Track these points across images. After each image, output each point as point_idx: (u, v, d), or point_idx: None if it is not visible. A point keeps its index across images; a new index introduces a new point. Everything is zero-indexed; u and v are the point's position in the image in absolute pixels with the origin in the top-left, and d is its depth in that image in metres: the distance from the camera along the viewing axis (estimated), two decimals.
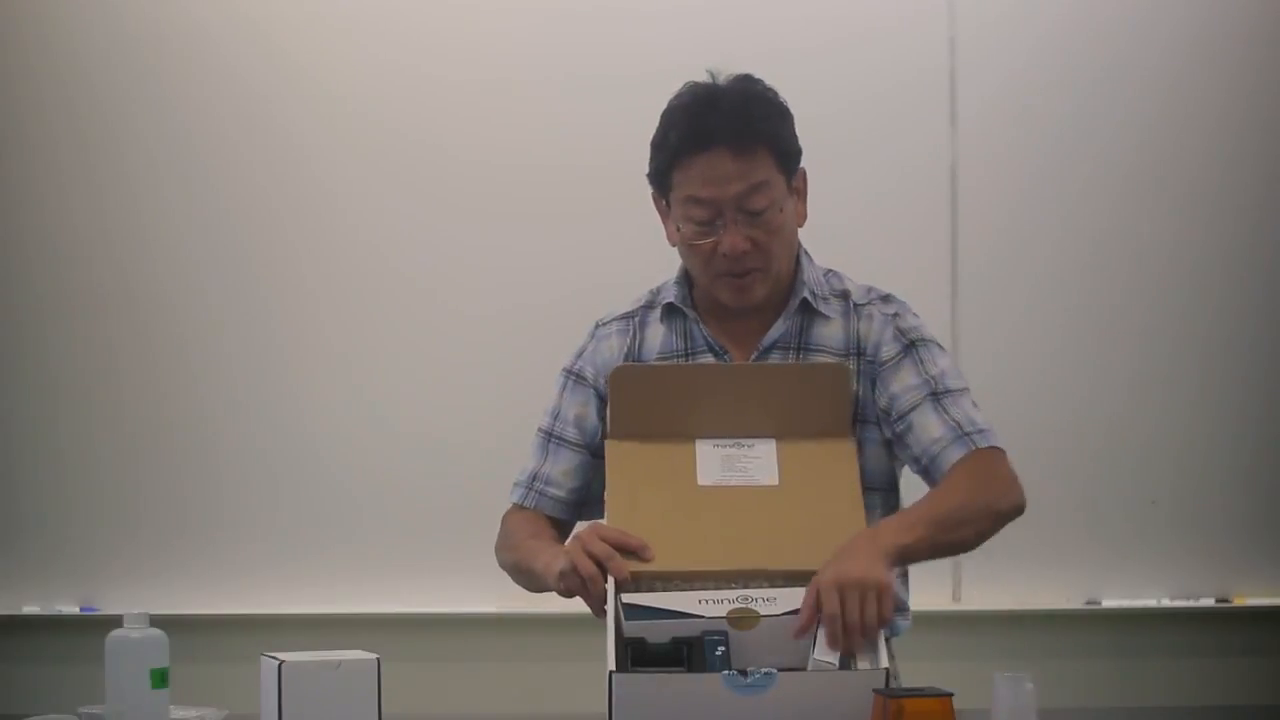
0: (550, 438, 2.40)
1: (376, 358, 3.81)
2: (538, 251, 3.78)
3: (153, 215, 3.84)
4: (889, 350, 2.30)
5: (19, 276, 3.85)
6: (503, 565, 2.40)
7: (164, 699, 2.02)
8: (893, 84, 3.76)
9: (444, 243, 3.80)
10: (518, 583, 2.36)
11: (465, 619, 3.75)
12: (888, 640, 2.12)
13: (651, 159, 2.31)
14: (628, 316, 2.42)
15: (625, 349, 2.38)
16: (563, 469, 2.38)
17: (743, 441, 2.17)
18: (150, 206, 3.84)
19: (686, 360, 2.35)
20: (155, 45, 3.84)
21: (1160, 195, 3.78)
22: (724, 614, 1.97)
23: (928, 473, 2.25)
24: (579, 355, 2.42)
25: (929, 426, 2.24)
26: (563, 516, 2.39)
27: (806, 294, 2.33)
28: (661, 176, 2.30)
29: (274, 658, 1.89)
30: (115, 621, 2.04)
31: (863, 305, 2.34)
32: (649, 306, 2.41)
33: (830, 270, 2.40)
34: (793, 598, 1.99)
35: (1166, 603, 3.76)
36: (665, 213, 2.33)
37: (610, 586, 2.03)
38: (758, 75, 2.33)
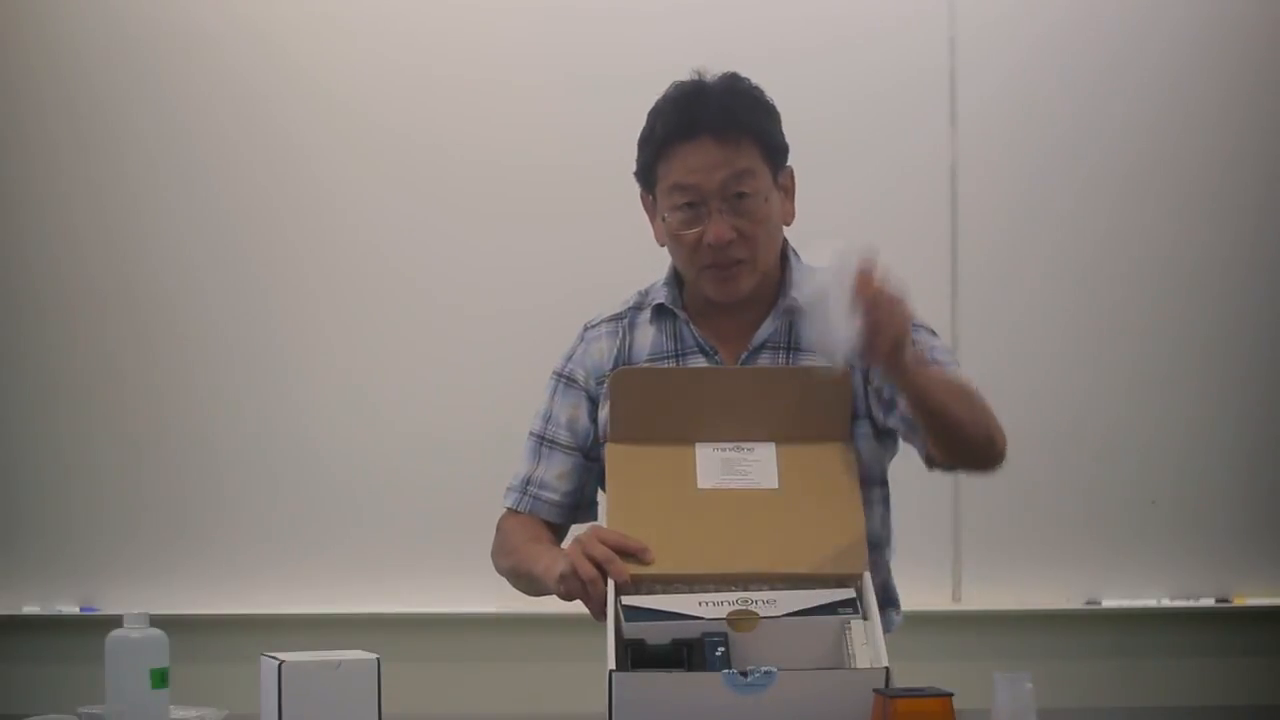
0: (543, 441, 2.40)
1: (376, 358, 3.81)
2: (537, 251, 3.78)
3: (153, 215, 3.84)
4: None
5: (19, 276, 3.85)
6: (500, 571, 2.40)
7: (164, 699, 2.02)
8: (893, 84, 3.76)
9: (444, 243, 3.80)
10: (516, 587, 2.36)
11: (465, 619, 3.75)
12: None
13: (638, 155, 2.32)
14: (617, 318, 2.42)
15: (615, 351, 2.38)
16: (556, 472, 2.38)
17: (743, 445, 2.17)
18: (150, 206, 3.84)
19: (677, 361, 2.35)
20: (155, 45, 3.84)
21: (1160, 195, 3.78)
22: (724, 615, 1.97)
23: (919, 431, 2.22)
24: (569, 358, 2.42)
25: None
26: (558, 520, 2.39)
27: (795, 292, 2.33)
28: (648, 170, 2.31)
29: (274, 658, 1.89)
30: (115, 621, 2.04)
31: None
32: (638, 308, 2.41)
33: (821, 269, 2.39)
34: (792, 600, 1.99)
35: (1166, 603, 3.76)
36: (652, 211, 2.34)
37: (610, 589, 2.02)
38: (758, 75, 2.33)
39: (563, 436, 2.38)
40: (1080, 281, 3.78)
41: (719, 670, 1.90)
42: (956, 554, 3.76)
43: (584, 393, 2.39)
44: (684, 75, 2.32)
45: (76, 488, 3.82)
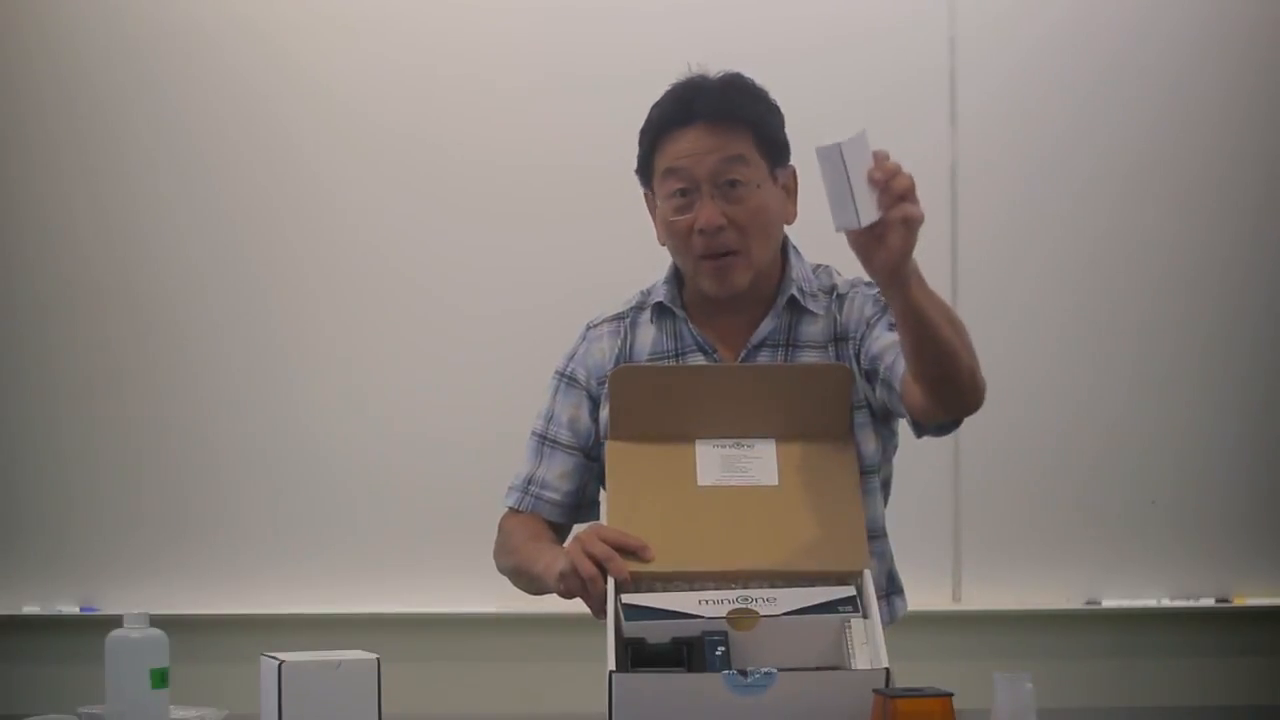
0: (544, 441, 2.40)
1: (376, 358, 3.81)
2: (537, 251, 3.78)
3: (153, 215, 3.84)
4: (868, 311, 2.29)
5: (19, 276, 3.85)
6: (502, 570, 2.40)
7: (164, 699, 2.02)
8: (893, 84, 3.76)
9: (444, 243, 3.80)
10: (518, 586, 2.37)
11: (465, 619, 3.75)
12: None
13: (638, 148, 2.33)
14: (619, 318, 2.42)
15: (616, 350, 2.39)
16: (558, 472, 2.38)
17: (743, 442, 2.17)
18: (150, 206, 3.84)
19: (677, 360, 2.35)
20: (155, 45, 3.84)
21: (1160, 195, 3.78)
22: (724, 614, 1.97)
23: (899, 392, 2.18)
24: (570, 358, 2.43)
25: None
26: (559, 520, 2.40)
27: (795, 291, 2.33)
28: (645, 161, 2.32)
29: (274, 658, 1.89)
30: (115, 621, 2.04)
31: (845, 293, 2.35)
32: (639, 307, 2.42)
33: (820, 265, 2.39)
34: (792, 598, 1.99)
35: (1166, 603, 3.76)
36: (654, 209, 2.34)
37: (610, 587, 2.03)
38: (758, 75, 2.35)
39: (564, 436, 2.38)
40: (1080, 281, 3.78)
41: (719, 670, 1.90)
42: (956, 554, 3.76)
43: (585, 392, 2.39)
44: (684, 75, 2.33)
45: (76, 488, 3.82)
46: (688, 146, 2.26)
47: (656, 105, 2.32)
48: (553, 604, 2.26)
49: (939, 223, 3.76)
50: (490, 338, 3.77)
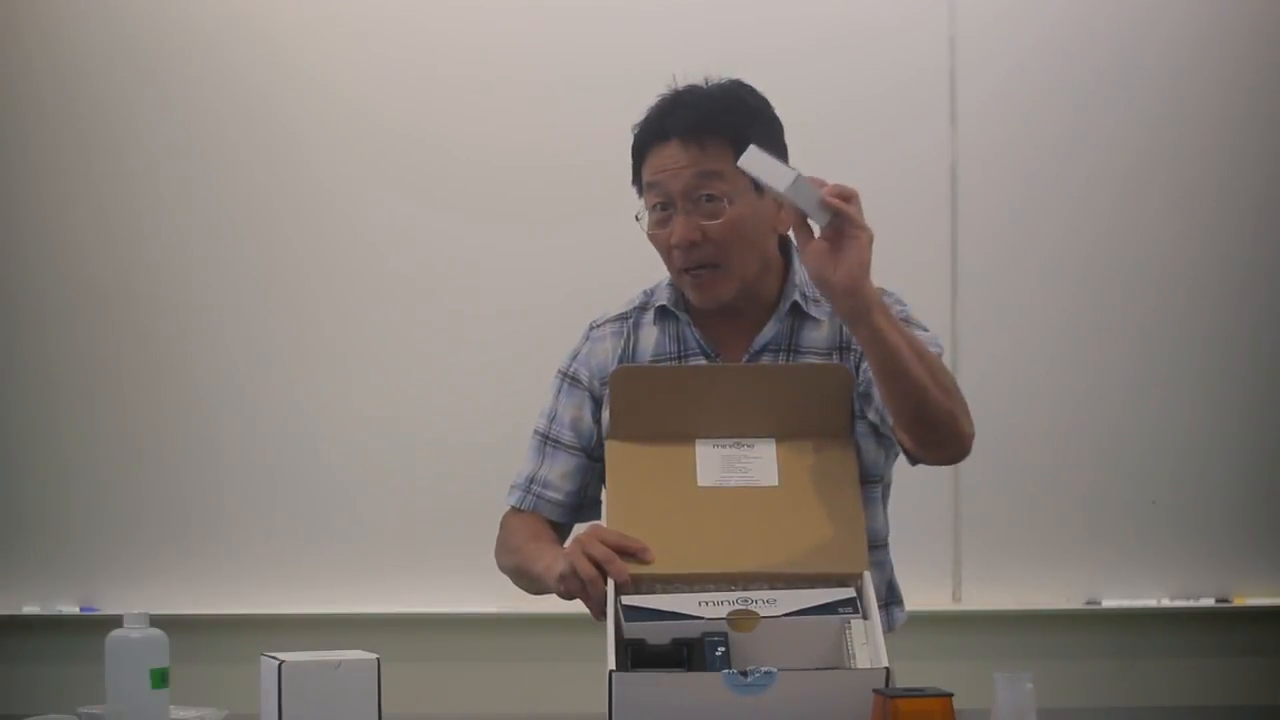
0: (546, 440, 2.40)
1: (376, 358, 3.81)
2: (538, 251, 3.78)
3: (153, 215, 3.84)
4: None
5: (19, 276, 3.85)
6: (503, 569, 2.40)
7: (164, 699, 2.02)
8: (893, 84, 3.76)
9: (444, 243, 3.80)
10: (519, 586, 2.37)
11: (465, 619, 3.75)
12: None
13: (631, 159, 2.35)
14: (622, 318, 2.43)
15: (619, 351, 2.39)
16: (559, 472, 2.38)
17: (743, 441, 2.17)
18: (150, 206, 3.84)
19: (678, 363, 2.35)
20: (155, 45, 3.84)
21: (1160, 195, 3.78)
22: (724, 615, 1.97)
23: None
24: (573, 358, 2.43)
25: None
26: (561, 520, 2.40)
27: (797, 296, 2.33)
28: (635, 174, 2.34)
29: (274, 658, 1.89)
30: (115, 621, 2.04)
31: None
32: (643, 308, 2.42)
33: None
34: (792, 599, 1.99)
35: (1166, 603, 3.76)
36: None
37: (610, 589, 2.02)
38: (758, 75, 2.34)
39: (566, 436, 2.39)
40: (1080, 281, 3.78)
41: (719, 670, 1.90)
42: (956, 554, 3.76)
43: (588, 393, 2.39)
44: (684, 74, 2.33)
45: (76, 488, 3.82)
46: (663, 162, 2.27)
47: (642, 118, 2.32)
48: (553, 604, 2.26)
49: (939, 223, 3.76)
50: (490, 338, 3.78)
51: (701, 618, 1.97)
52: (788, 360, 2.32)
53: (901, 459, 2.35)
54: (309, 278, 3.83)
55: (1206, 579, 3.76)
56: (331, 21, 3.83)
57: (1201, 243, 3.78)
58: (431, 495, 3.76)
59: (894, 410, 2.10)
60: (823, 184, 1.96)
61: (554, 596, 2.19)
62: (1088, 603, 3.77)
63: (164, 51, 3.84)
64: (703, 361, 2.34)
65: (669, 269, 2.34)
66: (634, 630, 1.96)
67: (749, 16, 3.75)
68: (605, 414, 2.32)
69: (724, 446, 2.17)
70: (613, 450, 2.20)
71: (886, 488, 2.36)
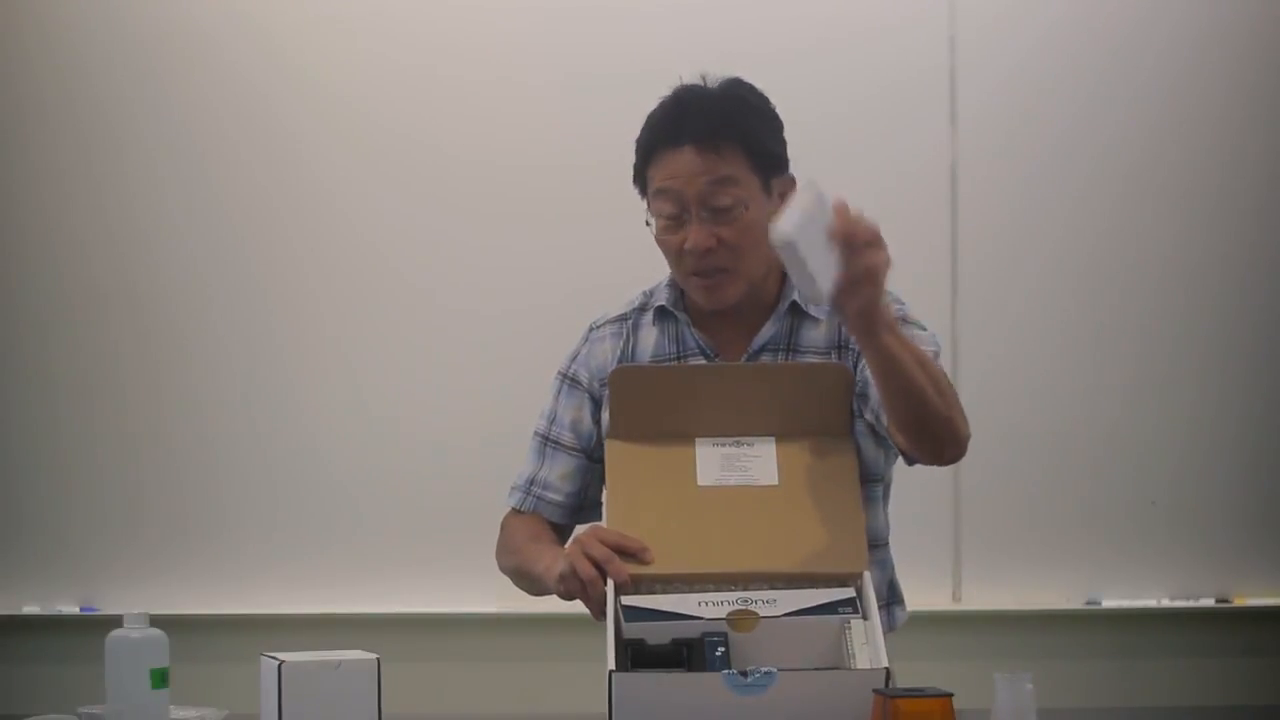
0: (546, 442, 2.40)
1: (376, 358, 3.81)
2: (538, 251, 3.78)
3: (153, 215, 3.84)
4: None
5: (19, 276, 3.85)
6: (504, 570, 2.40)
7: (164, 699, 2.02)
8: (893, 84, 3.76)
9: (444, 243, 3.80)
10: (519, 586, 2.37)
11: (465, 619, 3.75)
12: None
13: (635, 159, 2.33)
14: (621, 319, 2.42)
15: (619, 352, 2.39)
16: (560, 473, 2.39)
17: (742, 440, 2.17)
18: (150, 205, 3.84)
19: (678, 363, 2.35)
20: (155, 45, 3.84)
21: (1160, 195, 3.78)
22: (724, 615, 1.97)
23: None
24: (573, 359, 2.43)
25: None
26: (561, 521, 2.40)
27: (796, 296, 2.33)
28: (639, 174, 2.32)
29: (274, 658, 1.89)
30: (115, 621, 2.05)
31: None
32: (642, 309, 2.42)
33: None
34: (792, 599, 1.99)
35: (1166, 603, 3.76)
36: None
37: (610, 589, 2.02)
38: (758, 75, 2.34)
39: (566, 437, 2.39)
40: (1080, 281, 3.78)
41: (719, 670, 1.90)
42: (956, 554, 3.76)
43: (588, 394, 2.39)
44: (685, 74, 2.33)
45: (76, 488, 3.82)
46: (677, 169, 2.25)
47: (649, 119, 2.31)
48: (553, 604, 2.26)
49: (939, 223, 3.76)
50: (490, 338, 3.77)
51: (701, 618, 1.97)
52: (787, 359, 2.32)
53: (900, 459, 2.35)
54: (309, 278, 3.83)
55: (1206, 579, 3.76)
56: (331, 21, 3.84)
57: (1201, 243, 3.78)
58: (432, 495, 3.76)
59: (892, 415, 2.10)
60: (852, 233, 1.87)
61: (554, 597, 2.19)
62: (1088, 603, 3.77)
63: (164, 51, 3.84)
64: (702, 362, 2.34)
65: (675, 271, 2.33)
66: (634, 630, 1.96)
67: (749, 16, 3.75)
68: (605, 415, 2.32)
69: (724, 446, 2.17)
70: (612, 450, 2.20)
71: (887, 487, 2.36)
